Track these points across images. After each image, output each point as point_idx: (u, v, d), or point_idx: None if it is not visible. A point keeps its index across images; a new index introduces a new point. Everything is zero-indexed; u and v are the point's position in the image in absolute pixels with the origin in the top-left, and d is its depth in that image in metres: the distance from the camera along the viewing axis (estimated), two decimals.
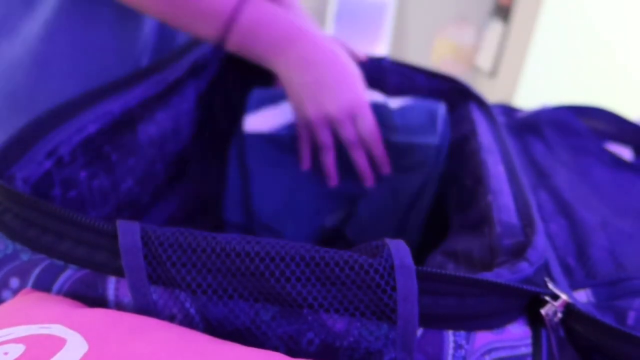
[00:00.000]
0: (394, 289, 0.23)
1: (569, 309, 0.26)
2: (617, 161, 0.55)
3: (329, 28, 1.87)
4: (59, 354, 0.19)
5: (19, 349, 0.19)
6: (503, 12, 1.79)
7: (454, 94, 0.58)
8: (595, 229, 0.40)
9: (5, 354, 0.19)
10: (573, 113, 0.61)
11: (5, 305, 0.23)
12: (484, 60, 1.87)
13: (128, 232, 0.23)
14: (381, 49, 1.91)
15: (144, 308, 0.23)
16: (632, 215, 0.43)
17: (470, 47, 1.95)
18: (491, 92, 1.74)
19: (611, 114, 0.60)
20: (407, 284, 0.23)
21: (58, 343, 0.19)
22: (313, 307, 0.23)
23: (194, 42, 0.53)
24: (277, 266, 0.23)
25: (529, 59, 1.59)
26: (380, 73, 0.58)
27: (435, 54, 1.99)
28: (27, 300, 0.23)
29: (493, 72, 1.80)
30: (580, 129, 0.59)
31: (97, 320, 0.21)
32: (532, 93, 1.61)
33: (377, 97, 0.51)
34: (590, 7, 1.53)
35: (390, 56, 0.60)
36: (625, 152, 0.58)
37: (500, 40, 1.77)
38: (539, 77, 1.60)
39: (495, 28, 1.82)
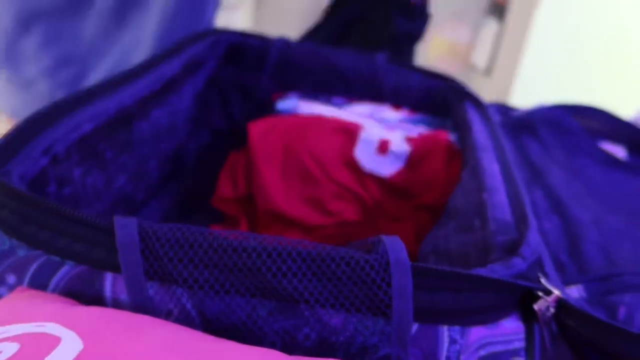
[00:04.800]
0: (389, 284, 0.23)
1: (561, 304, 0.26)
2: (611, 160, 0.55)
3: None
4: (53, 353, 0.19)
5: (13, 347, 0.19)
6: (498, 10, 1.79)
7: (450, 92, 0.58)
8: (588, 226, 0.40)
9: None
10: (568, 112, 0.61)
11: None
12: (480, 58, 1.87)
13: (125, 227, 0.23)
14: None
15: (140, 304, 0.23)
16: (625, 213, 0.43)
17: (466, 45, 1.95)
18: (486, 90, 1.74)
19: (605, 113, 0.61)
20: (402, 280, 0.23)
21: (53, 341, 0.19)
22: (309, 303, 0.23)
23: (190, 39, 0.52)
24: (273, 261, 0.23)
25: (524, 57, 1.59)
26: (375, 73, 0.58)
27: (431, 52, 1.99)
28: (22, 298, 0.23)
29: (488, 70, 1.80)
30: (575, 128, 0.59)
31: (92, 318, 0.21)
32: (527, 91, 1.61)
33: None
34: (586, 6, 1.53)
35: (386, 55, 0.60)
36: (619, 151, 0.58)
37: (495, 38, 1.77)
38: (535, 76, 1.61)
39: (491, 26, 1.82)
